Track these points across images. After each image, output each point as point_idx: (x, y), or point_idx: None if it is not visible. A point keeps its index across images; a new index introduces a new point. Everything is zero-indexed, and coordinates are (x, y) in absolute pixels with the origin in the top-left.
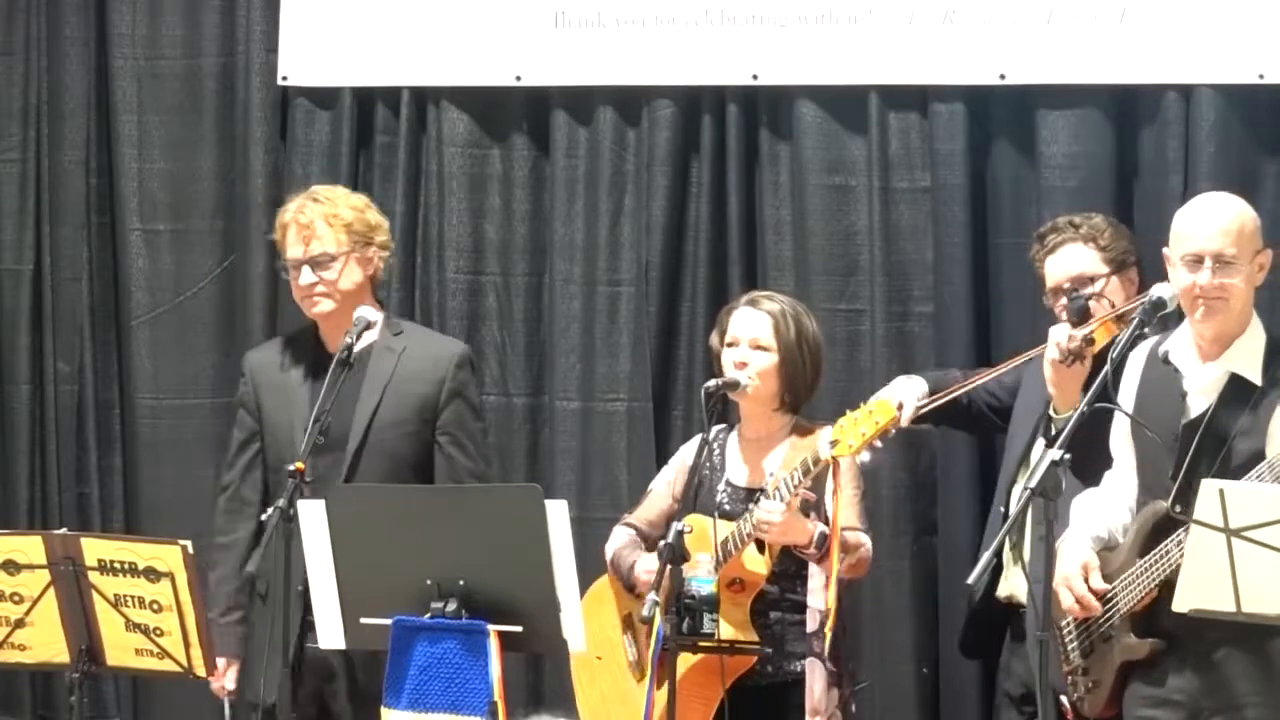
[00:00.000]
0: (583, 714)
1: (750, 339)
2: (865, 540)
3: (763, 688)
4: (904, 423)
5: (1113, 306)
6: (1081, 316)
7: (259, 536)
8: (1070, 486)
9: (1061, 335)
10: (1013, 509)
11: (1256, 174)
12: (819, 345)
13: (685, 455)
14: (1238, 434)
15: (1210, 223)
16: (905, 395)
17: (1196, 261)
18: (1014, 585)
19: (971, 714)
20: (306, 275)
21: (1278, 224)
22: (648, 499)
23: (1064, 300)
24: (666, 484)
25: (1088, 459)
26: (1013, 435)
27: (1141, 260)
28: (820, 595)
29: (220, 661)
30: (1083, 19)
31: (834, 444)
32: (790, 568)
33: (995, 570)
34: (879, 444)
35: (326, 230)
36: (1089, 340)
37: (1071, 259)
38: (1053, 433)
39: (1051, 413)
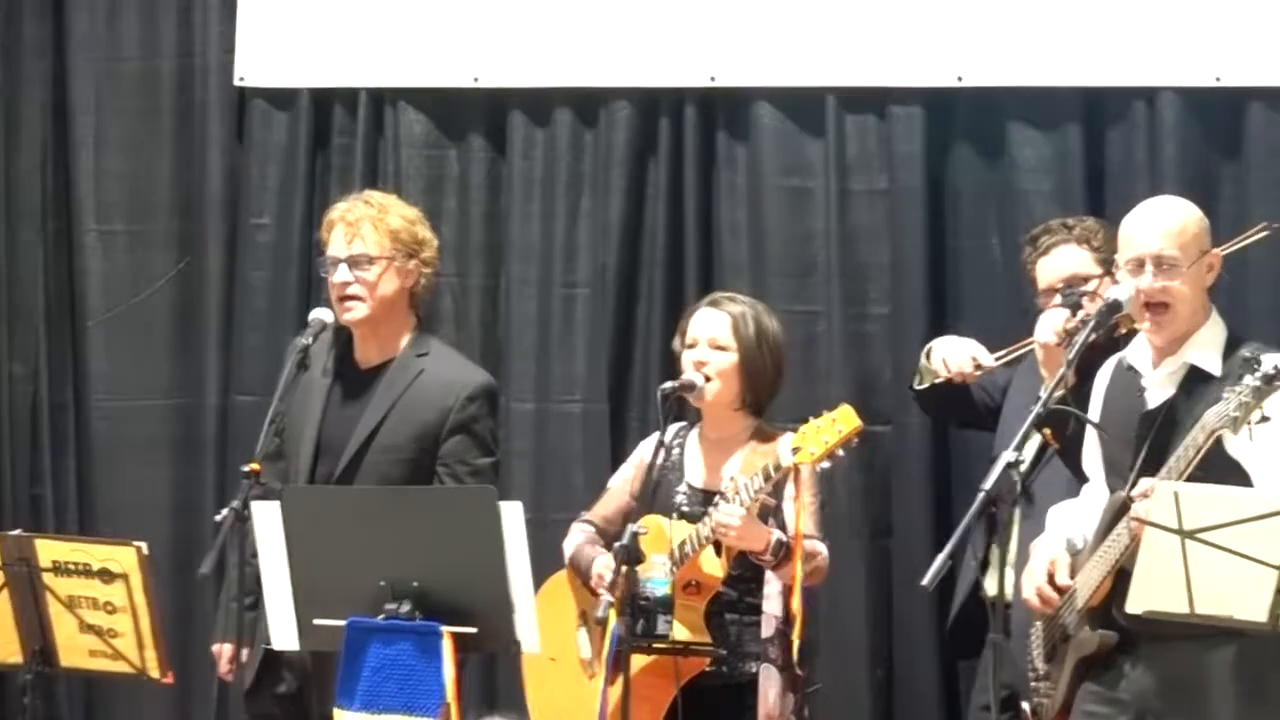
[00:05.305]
0: (533, 714)
1: (709, 338)
2: (822, 549)
3: (716, 689)
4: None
5: None
6: (1075, 311)
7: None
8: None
9: (1058, 318)
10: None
11: (1214, 176)
12: (780, 346)
13: (644, 452)
14: (1193, 424)
15: (1151, 226)
16: (975, 349)
17: (1139, 265)
18: (995, 585)
19: (928, 716)
20: (343, 273)
21: (1235, 226)
22: (605, 496)
23: (1057, 299)
24: (624, 481)
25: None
26: (1003, 435)
27: None
28: (776, 601)
29: (227, 647)
30: (1039, 21)
31: (795, 451)
32: (747, 571)
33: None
34: (841, 452)
35: (371, 232)
36: (1085, 324)
37: (1065, 260)
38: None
39: (1041, 392)
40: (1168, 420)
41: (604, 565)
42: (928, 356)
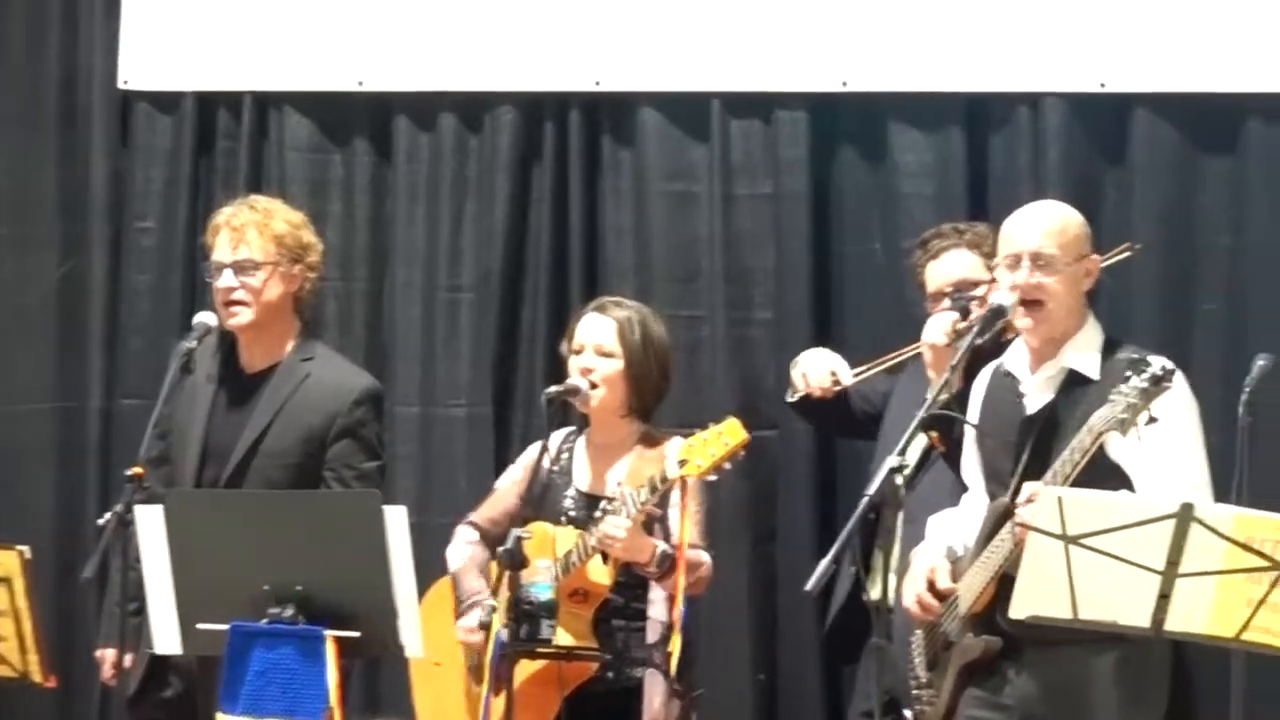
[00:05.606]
0: (420, 718)
1: (595, 344)
2: (706, 559)
3: (602, 694)
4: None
5: None
6: (965, 314)
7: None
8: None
9: (948, 320)
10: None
11: (1098, 181)
12: (667, 351)
13: (533, 454)
14: (1074, 427)
15: (1031, 224)
16: (836, 365)
17: (1016, 261)
18: (878, 591)
19: None
20: (228, 278)
21: (1120, 231)
22: (492, 497)
23: (946, 303)
24: (513, 482)
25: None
26: (885, 442)
27: None
28: (661, 607)
29: (110, 652)
30: (924, 27)
31: (682, 464)
32: (633, 578)
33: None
34: (728, 465)
35: (256, 237)
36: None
37: (955, 264)
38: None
39: (927, 395)
40: (1049, 425)
41: (472, 623)
42: (793, 368)
